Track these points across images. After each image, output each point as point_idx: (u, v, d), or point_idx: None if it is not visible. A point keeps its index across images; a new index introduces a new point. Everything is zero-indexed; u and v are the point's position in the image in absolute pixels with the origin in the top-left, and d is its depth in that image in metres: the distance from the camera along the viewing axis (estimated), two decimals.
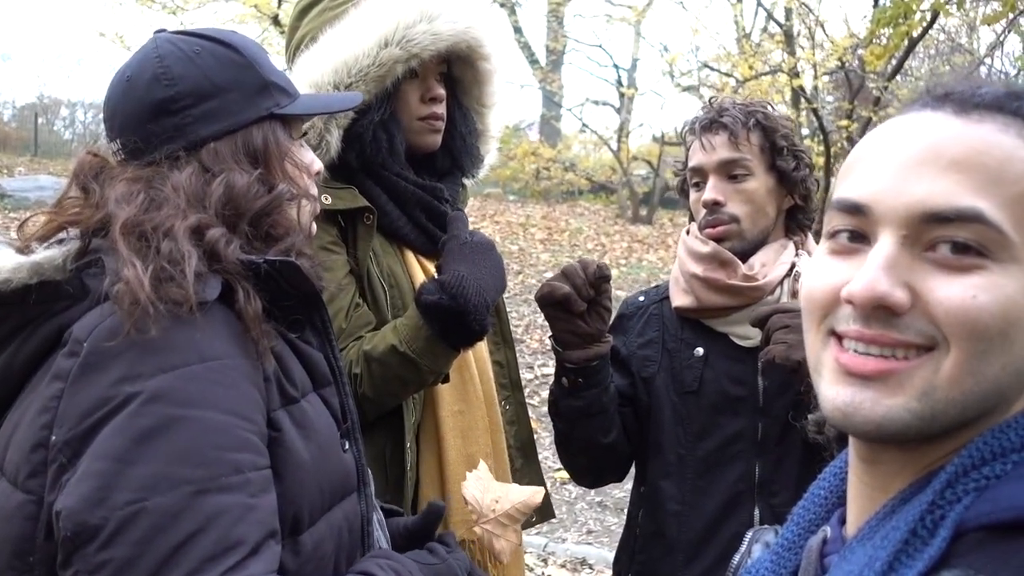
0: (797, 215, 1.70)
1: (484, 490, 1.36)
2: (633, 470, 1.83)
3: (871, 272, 0.63)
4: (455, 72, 1.75)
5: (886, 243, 0.64)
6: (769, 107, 1.69)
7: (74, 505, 0.87)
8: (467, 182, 1.86)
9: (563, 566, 4.58)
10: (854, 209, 0.66)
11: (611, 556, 5.02)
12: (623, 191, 14.06)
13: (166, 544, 0.86)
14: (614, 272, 9.88)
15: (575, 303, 1.55)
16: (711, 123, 1.65)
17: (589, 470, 1.77)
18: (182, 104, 1.06)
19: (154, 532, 0.86)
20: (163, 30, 1.15)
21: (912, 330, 0.63)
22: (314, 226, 1.20)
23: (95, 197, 1.02)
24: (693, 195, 1.71)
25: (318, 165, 1.20)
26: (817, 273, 0.69)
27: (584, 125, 16.27)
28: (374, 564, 1.08)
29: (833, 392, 0.66)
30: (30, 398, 0.97)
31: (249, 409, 0.96)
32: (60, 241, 1.02)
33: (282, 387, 1.02)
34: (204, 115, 1.07)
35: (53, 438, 0.91)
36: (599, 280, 1.56)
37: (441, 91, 1.68)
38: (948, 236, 0.62)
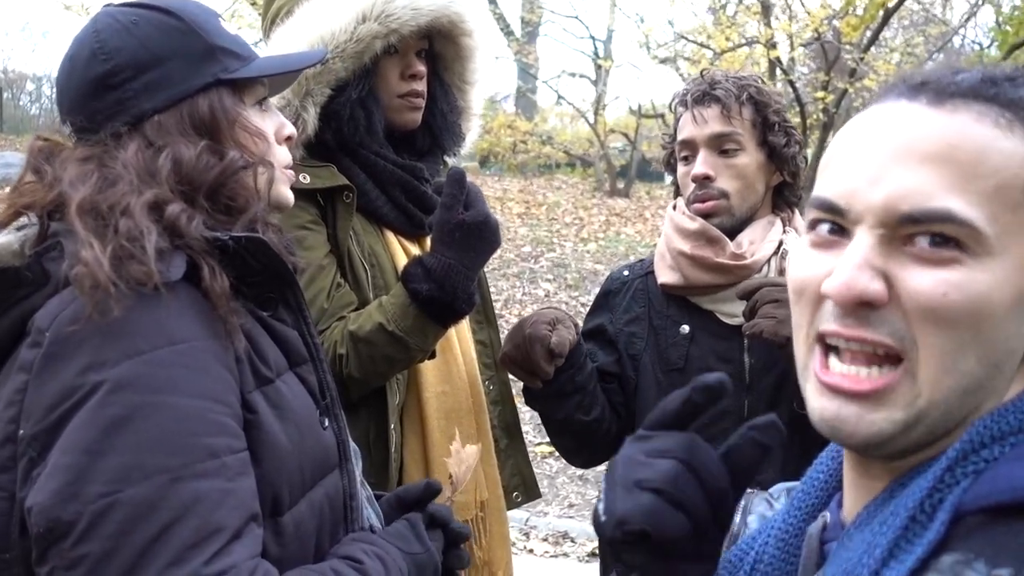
0: (784, 192, 1.69)
1: (460, 462, 1.39)
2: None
3: (848, 270, 0.63)
4: (436, 48, 1.71)
5: (862, 240, 0.64)
6: (761, 82, 1.67)
7: (45, 501, 0.85)
8: (448, 160, 1.83)
9: (545, 540, 4.62)
10: (831, 208, 0.66)
11: (592, 530, 5.12)
12: (600, 164, 14.03)
13: (143, 535, 0.85)
14: (592, 246, 9.91)
15: (533, 382, 1.60)
16: (703, 95, 1.62)
17: (577, 450, 1.75)
18: (122, 77, 1.03)
19: (130, 524, 0.85)
20: (109, 4, 1.11)
21: (887, 327, 0.63)
22: (288, 193, 1.16)
23: (48, 178, 1.00)
24: (681, 169, 1.68)
25: (288, 130, 1.16)
26: (801, 265, 0.69)
27: (560, 97, 16.18)
28: (359, 549, 1.07)
29: (819, 405, 0.66)
30: None
31: (222, 391, 0.94)
32: (21, 228, 0.99)
33: (255, 368, 1.00)
34: (146, 87, 1.03)
35: (21, 432, 0.89)
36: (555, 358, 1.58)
37: (421, 68, 1.65)
38: (924, 230, 0.62)
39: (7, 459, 0.90)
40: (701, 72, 1.71)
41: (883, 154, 0.64)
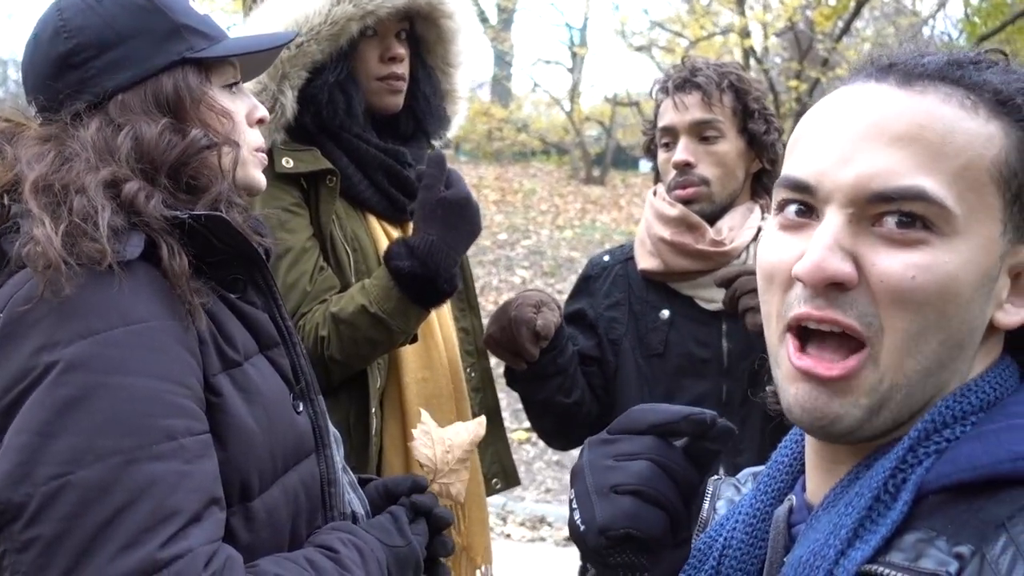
0: (763, 179, 1.71)
1: (434, 444, 1.32)
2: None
3: (818, 252, 0.63)
4: (418, 31, 1.70)
5: (832, 221, 0.64)
6: (741, 69, 1.68)
7: None
8: (435, 143, 1.82)
9: (522, 524, 4.65)
10: (800, 187, 0.67)
11: None
12: (576, 152, 14.03)
13: (95, 518, 0.84)
14: (568, 233, 9.92)
15: (518, 364, 1.59)
16: (684, 82, 1.63)
17: (557, 432, 1.76)
18: (84, 56, 1.02)
19: (82, 506, 0.84)
20: None
21: (855, 309, 0.63)
22: (259, 176, 1.14)
23: (8, 158, 0.99)
24: (662, 155, 1.70)
25: (260, 112, 1.15)
26: (769, 249, 0.70)
27: (536, 84, 16.15)
28: (336, 538, 1.06)
29: (793, 390, 0.67)
30: None
31: (181, 373, 0.92)
32: None
33: (220, 350, 0.99)
34: (108, 65, 1.02)
35: None
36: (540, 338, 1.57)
37: (401, 50, 1.64)
38: (893, 210, 0.62)
39: None
40: (682, 59, 1.72)
41: (853, 134, 0.64)
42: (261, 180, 1.15)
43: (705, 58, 1.73)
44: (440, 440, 1.31)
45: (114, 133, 0.99)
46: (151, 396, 0.89)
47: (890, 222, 0.62)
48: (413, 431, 1.32)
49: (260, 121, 1.15)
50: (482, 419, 1.39)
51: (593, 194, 12.22)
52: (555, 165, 14.96)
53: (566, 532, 4.64)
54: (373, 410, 1.58)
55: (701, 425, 0.77)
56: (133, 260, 0.92)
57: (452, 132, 1.84)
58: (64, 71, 1.03)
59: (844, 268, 0.63)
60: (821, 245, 0.63)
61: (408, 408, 1.62)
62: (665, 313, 1.68)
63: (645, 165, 14.70)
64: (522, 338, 1.55)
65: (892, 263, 0.62)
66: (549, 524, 4.65)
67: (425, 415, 1.34)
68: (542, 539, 4.52)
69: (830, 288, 0.63)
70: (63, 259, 0.87)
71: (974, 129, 0.63)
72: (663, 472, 0.74)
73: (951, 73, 0.65)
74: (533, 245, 9.40)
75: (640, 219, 1.77)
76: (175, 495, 0.87)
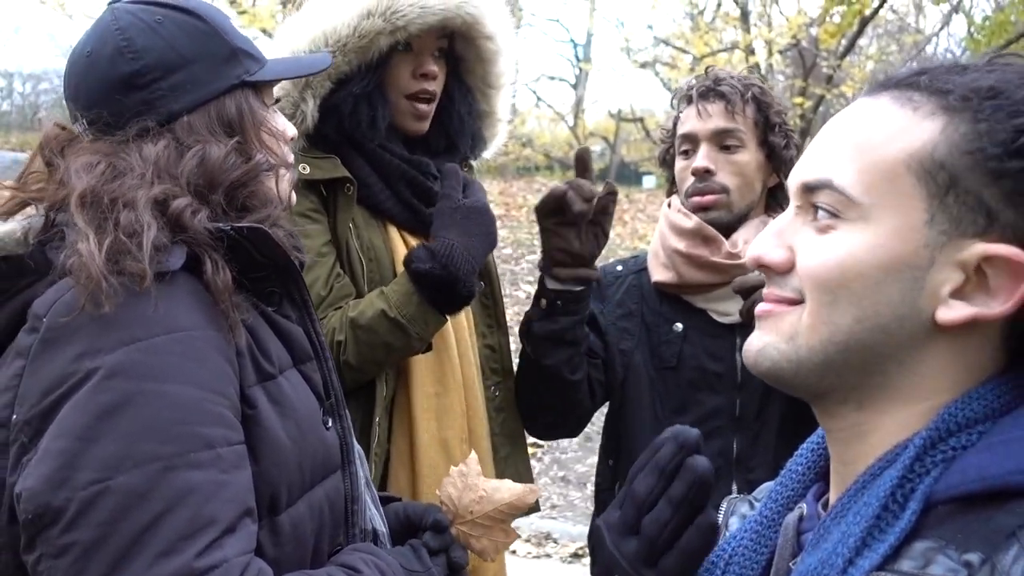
0: (778, 194, 1.71)
1: (464, 488, 1.25)
2: (599, 444, 1.82)
3: (759, 240, 0.73)
4: (458, 49, 1.69)
5: (786, 212, 0.73)
6: (764, 82, 1.69)
7: (35, 486, 0.84)
8: (473, 163, 1.82)
9: (528, 541, 4.62)
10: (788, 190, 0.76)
11: (575, 530, 5.06)
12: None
13: (133, 524, 0.84)
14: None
15: (573, 203, 1.53)
16: (708, 91, 1.64)
17: (546, 408, 1.71)
18: (150, 78, 1.02)
19: (120, 512, 0.84)
20: (112, 1, 1.10)
21: (789, 287, 0.71)
22: (294, 195, 1.17)
23: (60, 173, 0.99)
24: (681, 163, 1.69)
25: (292, 131, 1.16)
26: None
27: (539, 99, 16.24)
28: (359, 559, 1.06)
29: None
30: None
31: (220, 382, 0.93)
32: (26, 216, 0.99)
33: (257, 363, 0.99)
34: (173, 88, 1.03)
35: (14, 417, 0.88)
36: (607, 197, 1.56)
37: (433, 68, 1.62)
38: (816, 200, 0.70)
39: (0, 444, 0.89)
40: (705, 69, 1.73)
41: (818, 141, 0.73)
42: (294, 198, 1.17)
43: (727, 69, 1.74)
44: (473, 486, 1.25)
45: (180, 153, 1.00)
46: (191, 404, 0.89)
47: (816, 213, 0.70)
48: (452, 469, 1.27)
49: (292, 139, 1.16)
50: (534, 487, 1.30)
51: None
52: (559, 180, 15.01)
53: (572, 548, 4.61)
54: (377, 419, 1.57)
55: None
56: (175, 271, 0.93)
57: (490, 154, 1.82)
58: (127, 91, 1.02)
59: (773, 254, 0.72)
60: (766, 233, 0.73)
61: (416, 423, 1.60)
62: (679, 326, 1.67)
63: (649, 181, 14.73)
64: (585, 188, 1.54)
65: (807, 245, 0.70)
66: (555, 540, 4.62)
67: (472, 458, 1.28)
68: (548, 556, 4.50)
69: (769, 271, 0.72)
70: (104, 276, 0.87)
71: (898, 125, 0.67)
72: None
73: (911, 79, 0.69)
74: (538, 260, 9.41)
75: (645, 234, 1.77)
76: (212, 504, 0.87)
